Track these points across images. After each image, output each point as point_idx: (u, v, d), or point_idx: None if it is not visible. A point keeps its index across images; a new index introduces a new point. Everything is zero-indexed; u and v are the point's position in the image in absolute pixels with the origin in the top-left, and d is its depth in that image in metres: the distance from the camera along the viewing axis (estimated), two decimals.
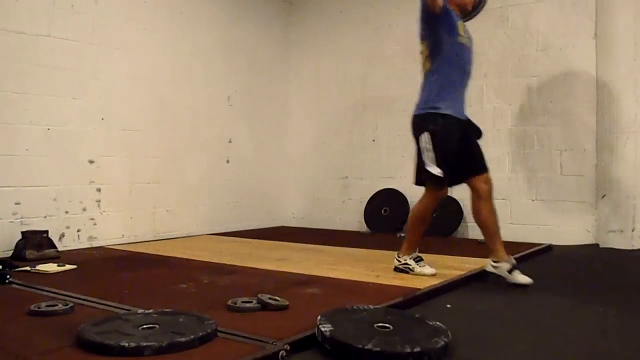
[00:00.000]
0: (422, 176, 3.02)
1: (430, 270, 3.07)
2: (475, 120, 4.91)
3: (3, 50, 3.79)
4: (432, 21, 2.98)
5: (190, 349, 1.76)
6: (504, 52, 4.89)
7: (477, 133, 3.20)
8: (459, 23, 3.05)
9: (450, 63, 3.01)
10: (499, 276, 3.04)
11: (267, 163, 5.98)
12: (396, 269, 3.17)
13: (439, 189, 3.02)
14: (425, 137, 2.96)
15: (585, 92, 4.50)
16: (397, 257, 3.19)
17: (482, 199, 3.05)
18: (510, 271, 2.99)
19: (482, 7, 3.35)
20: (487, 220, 3.05)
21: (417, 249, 3.18)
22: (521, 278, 2.96)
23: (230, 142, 5.52)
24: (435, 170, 2.93)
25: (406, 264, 3.12)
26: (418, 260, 3.12)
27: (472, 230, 5.00)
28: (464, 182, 3.13)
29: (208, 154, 5.31)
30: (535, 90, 4.74)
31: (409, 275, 3.07)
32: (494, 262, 3.06)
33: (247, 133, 5.71)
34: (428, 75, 3.07)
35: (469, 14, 3.26)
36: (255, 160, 5.83)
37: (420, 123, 3.02)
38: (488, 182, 3.09)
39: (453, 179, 3.06)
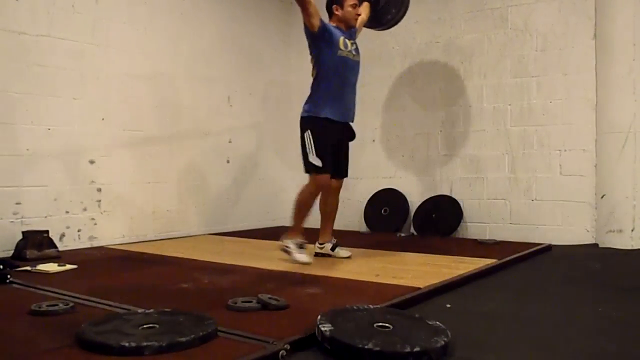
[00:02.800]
0: (306, 166, 3.53)
1: (305, 259, 3.40)
2: (475, 120, 5.06)
3: (4, 50, 3.79)
4: (312, 38, 3.51)
5: (190, 348, 1.77)
6: (503, 52, 4.90)
7: (351, 136, 3.72)
8: (341, 39, 3.52)
9: (330, 74, 3.50)
10: (497, 276, 3.04)
11: (267, 163, 5.98)
12: (281, 249, 3.52)
13: (320, 177, 3.50)
14: (308, 134, 3.49)
15: (585, 92, 4.51)
16: (281, 239, 3.53)
17: (332, 195, 3.71)
18: (333, 249, 3.67)
19: (393, 17, 4.03)
20: (332, 210, 3.75)
21: (303, 235, 3.53)
22: (342, 253, 3.67)
23: (230, 142, 5.52)
24: (316, 161, 3.46)
25: (288, 246, 3.48)
26: (300, 246, 3.47)
27: (472, 230, 5.01)
28: None
29: (208, 154, 5.31)
30: (535, 90, 4.75)
31: (409, 275, 3.07)
32: (320, 244, 3.71)
33: (247, 133, 5.72)
34: (313, 82, 3.58)
35: (377, 26, 4.07)
36: (255, 160, 5.83)
37: (304, 124, 3.54)
38: (342, 183, 3.77)
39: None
